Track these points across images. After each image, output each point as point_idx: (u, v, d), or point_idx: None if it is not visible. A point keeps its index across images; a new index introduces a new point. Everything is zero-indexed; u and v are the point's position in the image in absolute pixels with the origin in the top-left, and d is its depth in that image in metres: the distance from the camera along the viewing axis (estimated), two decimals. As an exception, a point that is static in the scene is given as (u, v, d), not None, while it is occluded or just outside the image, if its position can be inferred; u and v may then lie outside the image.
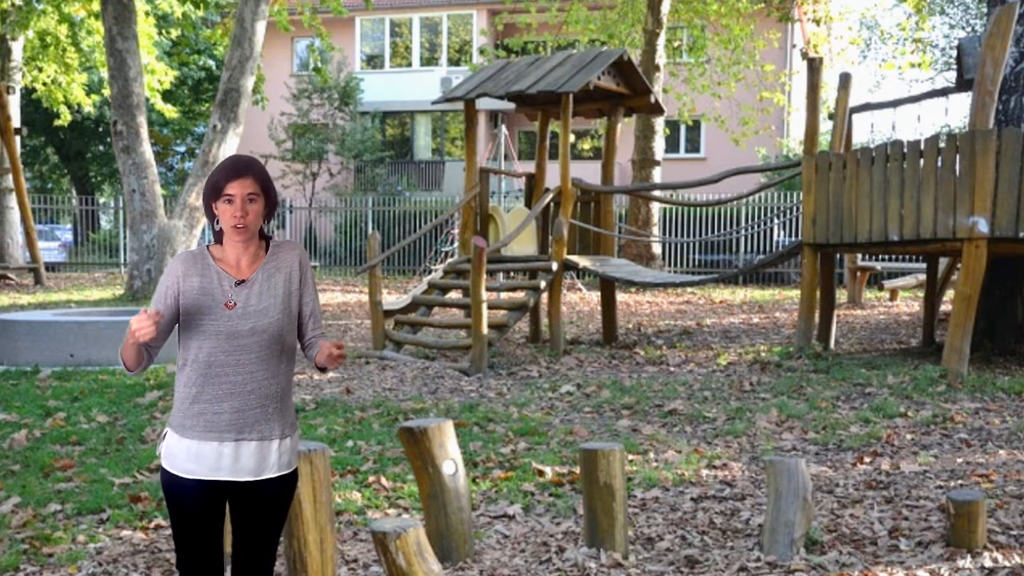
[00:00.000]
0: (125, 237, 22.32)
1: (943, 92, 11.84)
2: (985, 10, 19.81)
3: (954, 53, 19.68)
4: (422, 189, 29.73)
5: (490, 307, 9.61)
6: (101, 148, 34.71)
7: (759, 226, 20.15)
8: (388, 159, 30.01)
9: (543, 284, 10.05)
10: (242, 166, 2.70)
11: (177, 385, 2.77)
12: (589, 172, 14.29)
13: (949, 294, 12.44)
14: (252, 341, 2.70)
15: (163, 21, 25.01)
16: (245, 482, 2.73)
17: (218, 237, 2.78)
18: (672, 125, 25.93)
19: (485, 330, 9.20)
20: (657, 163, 18.79)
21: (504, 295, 12.92)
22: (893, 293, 15.76)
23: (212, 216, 2.74)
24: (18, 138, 19.43)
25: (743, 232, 20.50)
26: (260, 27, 15.32)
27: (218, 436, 2.69)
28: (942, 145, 8.13)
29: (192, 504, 2.72)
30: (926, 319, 10.44)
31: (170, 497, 2.76)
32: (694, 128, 27.22)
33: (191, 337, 2.72)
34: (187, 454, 2.71)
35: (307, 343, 2.85)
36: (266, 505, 2.78)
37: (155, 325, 2.54)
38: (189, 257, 2.76)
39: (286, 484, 2.81)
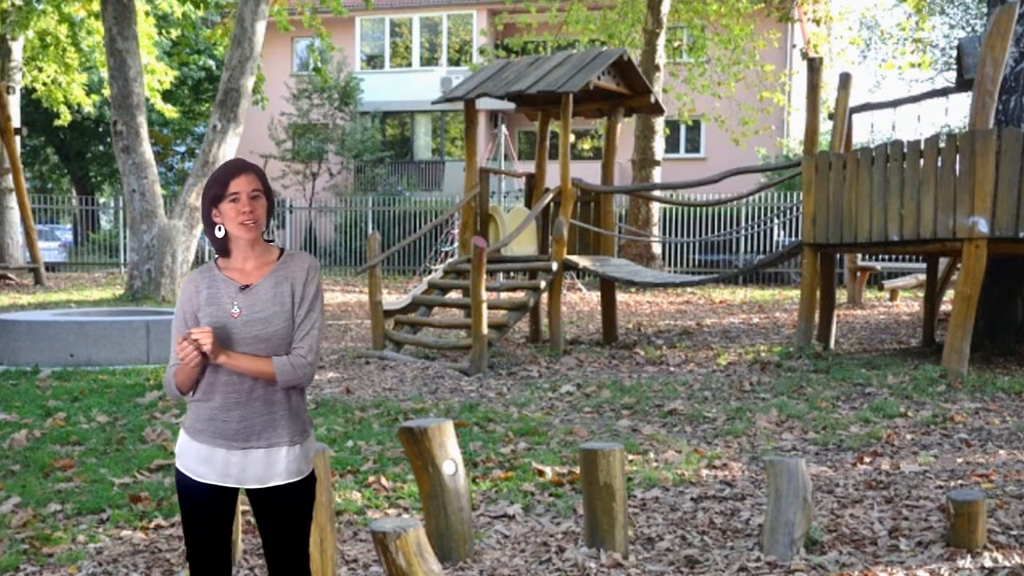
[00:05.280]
0: (125, 237, 22.31)
1: (943, 92, 11.84)
2: (985, 10, 19.79)
3: (954, 53, 19.67)
4: (422, 189, 29.72)
5: (490, 307, 9.61)
6: (101, 148, 34.70)
7: (759, 226, 20.15)
8: (388, 159, 30.01)
9: (543, 284, 10.05)
10: (242, 165, 2.75)
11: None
12: (589, 172, 14.28)
13: (949, 294, 12.43)
14: (256, 348, 2.70)
15: (163, 21, 25.00)
16: (254, 489, 2.76)
17: (221, 247, 2.77)
18: (672, 125, 25.92)
19: (485, 330, 9.20)
20: (657, 163, 18.78)
21: (504, 295, 12.92)
22: (893, 293, 15.76)
23: (212, 224, 2.73)
24: (18, 138, 19.42)
25: (743, 232, 20.50)
26: (260, 27, 15.33)
27: (226, 444, 2.71)
28: (942, 145, 8.13)
29: (200, 505, 2.76)
30: (926, 319, 10.44)
31: (181, 495, 2.80)
32: (694, 128, 27.22)
33: None
34: (197, 457, 2.74)
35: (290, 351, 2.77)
36: (280, 511, 2.78)
37: (204, 342, 2.60)
38: (196, 274, 2.79)
39: (298, 490, 2.79)
